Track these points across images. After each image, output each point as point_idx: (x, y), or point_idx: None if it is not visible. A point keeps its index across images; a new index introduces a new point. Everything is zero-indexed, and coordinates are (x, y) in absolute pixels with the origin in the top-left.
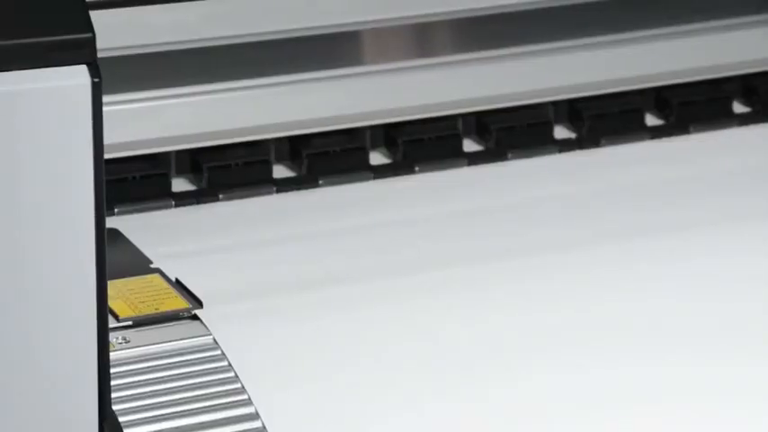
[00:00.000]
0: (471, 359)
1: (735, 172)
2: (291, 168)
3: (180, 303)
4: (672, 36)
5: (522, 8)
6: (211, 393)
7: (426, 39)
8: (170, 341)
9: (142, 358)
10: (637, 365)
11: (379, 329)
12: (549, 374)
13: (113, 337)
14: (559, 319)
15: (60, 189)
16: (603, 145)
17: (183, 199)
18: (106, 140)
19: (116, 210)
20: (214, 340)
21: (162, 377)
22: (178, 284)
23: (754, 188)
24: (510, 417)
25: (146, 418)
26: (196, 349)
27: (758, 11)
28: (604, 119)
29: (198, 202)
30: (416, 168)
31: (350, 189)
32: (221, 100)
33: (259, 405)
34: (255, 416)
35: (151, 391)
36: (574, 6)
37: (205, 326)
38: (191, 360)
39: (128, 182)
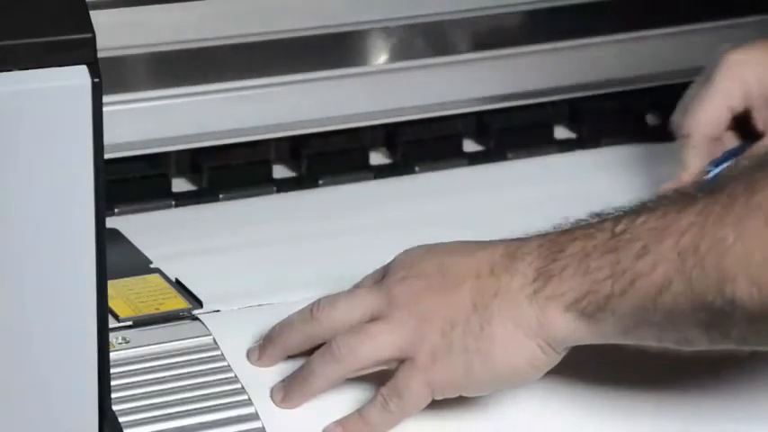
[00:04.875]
0: None
1: None
2: (291, 168)
3: (180, 303)
4: (669, 37)
5: (522, 8)
6: (211, 393)
7: (426, 39)
8: (170, 341)
9: (142, 358)
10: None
11: None
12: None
13: (113, 337)
14: None
15: (60, 189)
16: (603, 145)
17: (183, 199)
18: (106, 140)
19: (116, 210)
20: (214, 340)
21: (162, 377)
22: (178, 284)
23: None
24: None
25: (146, 418)
26: (196, 349)
27: (753, 11)
28: (604, 120)
29: (198, 202)
30: (416, 168)
31: (350, 189)
32: (221, 100)
33: (259, 405)
34: (255, 416)
35: (151, 392)
36: (573, 6)
37: (205, 326)
38: (191, 360)
39: (128, 182)
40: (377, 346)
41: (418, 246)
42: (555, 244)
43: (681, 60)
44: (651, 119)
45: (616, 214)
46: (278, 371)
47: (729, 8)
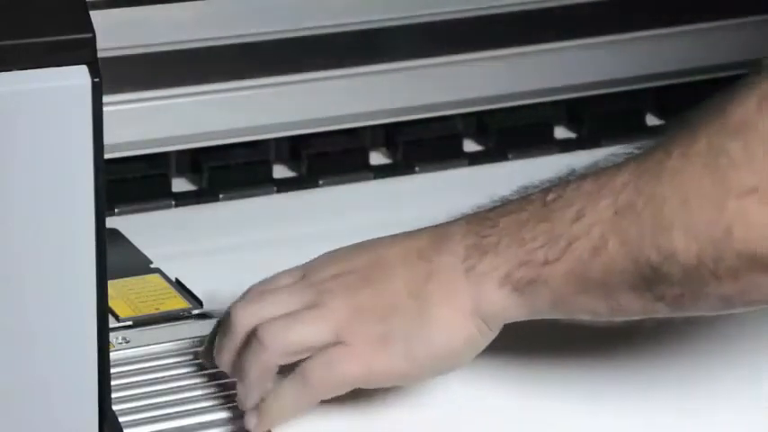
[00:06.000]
0: None
1: None
2: (291, 168)
3: (180, 303)
4: (670, 37)
5: (522, 8)
6: (212, 393)
7: (426, 39)
8: (170, 341)
9: (142, 358)
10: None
11: None
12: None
13: (113, 337)
14: None
15: (60, 189)
16: (603, 145)
17: (183, 199)
18: (106, 140)
19: (116, 210)
20: None
21: (162, 377)
22: (178, 284)
23: None
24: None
25: (146, 418)
26: (196, 349)
27: (754, 11)
28: (604, 120)
29: (198, 202)
30: (416, 168)
31: (350, 189)
32: (221, 100)
33: None
34: None
35: (151, 392)
36: (573, 6)
37: (205, 326)
38: (191, 360)
39: (128, 182)
40: (309, 331)
41: (340, 248)
42: (484, 220)
43: (681, 60)
44: (651, 119)
45: (544, 186)
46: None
47: (729, 8)
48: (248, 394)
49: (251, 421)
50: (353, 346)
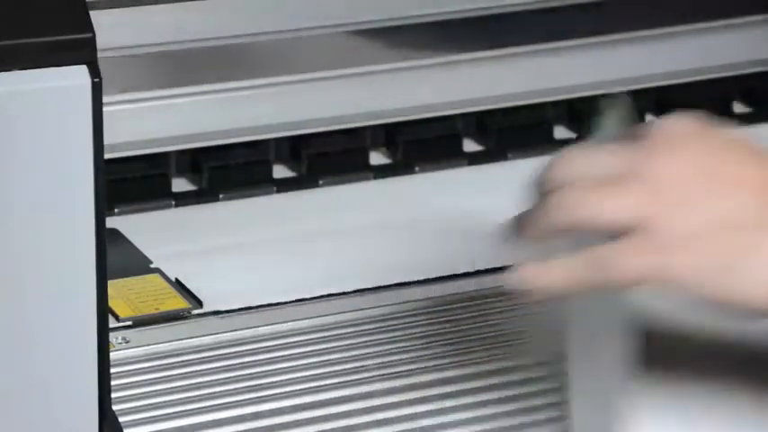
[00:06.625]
0: None
1: None
2: (291, 168)
3: (180, 303)
4: (670, 37)
5: (522, 8)
6: (211, 393)
7: (426, 39)
8: (170, 341)
9: (142, 358)
10: None
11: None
12: None
13: (113, 337)
14: None
15: (60, 189)
16: None
17: (183, 199)
18: (106, 140)
19: (116, 210)
20: (214, 340)
21: (162, 377)
22: (178, 284)
23: None
24: None
25: (146, 418)
26: (196, 349)
27: (755, 11)
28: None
29: (198, 202)
30: (416, 168)
31: (350, 189)
32: (221, 100)
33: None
34: (255, 416)
35: (151, 392)
36: (573, 7)
37: (205, 326)
38: (191, 360)
39: (128, 182)
40: (618, 204)
41: (681, 117)
42: None
43: (680, 61)
44: (650, 119)
45: None
46: None
47: (729, 8)
48: (529, 232)
49: (527, 272)
50: (659, 237)
